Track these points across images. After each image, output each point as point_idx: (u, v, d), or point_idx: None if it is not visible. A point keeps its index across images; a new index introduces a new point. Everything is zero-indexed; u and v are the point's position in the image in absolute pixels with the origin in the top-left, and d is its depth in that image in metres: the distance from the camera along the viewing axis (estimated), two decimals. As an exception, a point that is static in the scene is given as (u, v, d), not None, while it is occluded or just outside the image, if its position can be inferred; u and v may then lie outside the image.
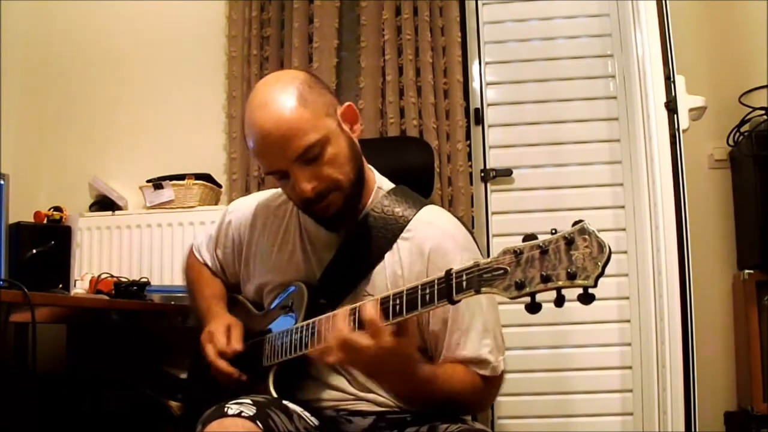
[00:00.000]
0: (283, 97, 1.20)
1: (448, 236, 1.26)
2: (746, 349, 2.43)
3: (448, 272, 1.01)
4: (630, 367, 2.52)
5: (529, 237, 0.93)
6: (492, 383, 1.26)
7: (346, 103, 1.29)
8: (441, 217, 1.32)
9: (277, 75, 1.29)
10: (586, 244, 0.87)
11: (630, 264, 2.54)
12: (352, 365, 1.15)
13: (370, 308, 1.06)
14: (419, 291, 1.04)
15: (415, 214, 1.29)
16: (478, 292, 0.97)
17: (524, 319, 2.44)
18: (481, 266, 0.97)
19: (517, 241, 0.95)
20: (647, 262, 2.36)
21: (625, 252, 2.55)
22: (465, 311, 1.23)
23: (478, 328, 1.23)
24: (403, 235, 1.27)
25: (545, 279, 0.89)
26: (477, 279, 0.97)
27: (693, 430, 2.15)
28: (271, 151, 1.21)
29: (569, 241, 0.88)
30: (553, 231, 0.91)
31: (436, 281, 1.02)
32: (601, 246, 0.86)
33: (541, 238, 0.92)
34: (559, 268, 0.88)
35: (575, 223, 0.89)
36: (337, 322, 1.10)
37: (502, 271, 0.94)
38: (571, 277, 0.87)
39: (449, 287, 1.00)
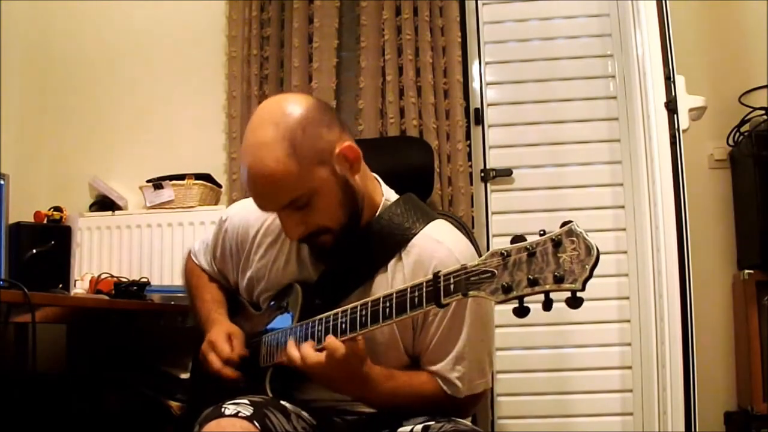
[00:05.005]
0: (272, 142, 1.15)
1: (453, 258, 1.21)
2: (746, 349, 2.43)
3: (436, 275, 1.01)
4: (630, 367, 2.52)
5: (517, 238, 0.92)
6: (456, 402, 1.25)
7: (346, 144, 1.22)
8: (449, 234, 1.29)
9: (274, 108, 1.21)
10: (574, 246, 0.86)
11: (630, 264, 2.54)
12: (314, 378, 1.17)
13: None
14: (408, 294, 1.04)
15: (422, 228, 1.27)
16: (465, 295, 0.96)
17: (524, 319, 2.46)
18: (469, 269, 0.96)
19: (515, 242, 0.94)
20: (647, 262, 2.36)
21: (625, 252, 2.55)
22: (449, 335, 1.23)
23: (455, 354, 1.23)
24: (407, 248, 1.26)
25: (532, 282, 0.88)
26: (464, 282, 0.96)
27: (693, 430, 2.15)
28: (257, 196, 1.22)
29: (556, 243, 0.87)
30: (542, 232, 0.90)
31: (424, 284, 1.02)
32: (588, 248, 0.85)
33: (530, 239, 0.91)
34: (546, 271, 0.87)
35: (563, 224, 0.88)
36: (303, 347, 1.15)
37: (489, 274, 0.93)
38: (558, 280, 0.86)
39: (437, 290, 1.00)
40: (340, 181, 1.21)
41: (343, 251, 1.27)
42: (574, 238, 0.86)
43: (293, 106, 1.20)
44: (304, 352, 1.13)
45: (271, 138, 1.16)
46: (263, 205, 1.23)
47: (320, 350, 1.13)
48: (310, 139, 1.17)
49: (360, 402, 1.26)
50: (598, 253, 0.85)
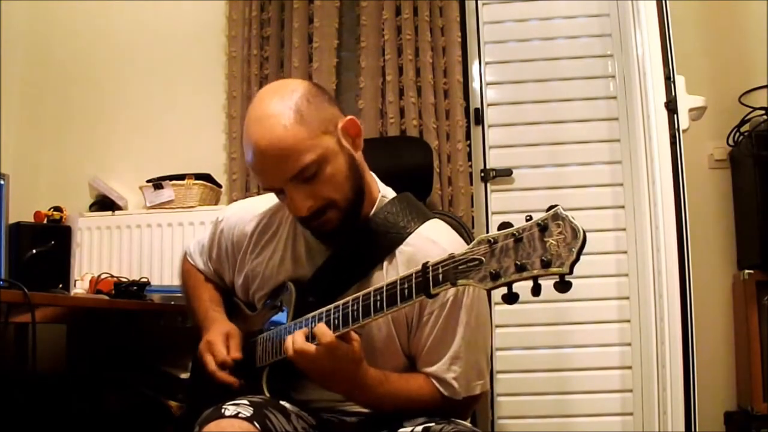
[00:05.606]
0: (280, 113, 1.16)
1: None
2: (746, 349, 2.43)
3: (425, 265, 1.01)
4: (630, 367, 2.52)
5: (504, 225, 0.93)
6: (453, 404, 1.24)
7: (348, 117, 1.24)
8: (444, 234, 1.29)
9: (276, 87, 1.24)
10: (560, 230, 0.86)
11: (630, 264, 2.54)
12: (307, 373, 1.16)
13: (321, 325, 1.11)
14: (398, 286, 1.05)
15: (418, 227, 1.27)
16: (454, 284, 0.97)
17: (524, 319, 2.47)
18: (456, 258, 0.96)
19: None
20: (647, 262, 2.36)
21: (625, 252, 2.55)
22: (444, 336, 1.23)
23: (450, 354, 1.23)
24: (402, 247, 1.26)
25: (520, 268, 0.88)
26: (453, 271, 0.96)
27: (693, 430, 2.15)
28: (266, 170, 1.19)
29: (543, 228, 0.87)
30: (528, 217, 0.90)
31: (413, 275, 1.03)
32: (575, 231, 0.85)
33: (516, 225, 0.91)
34: (533, 256, 0.88)
35: (549, 209, 0.88)
36: (296, 334, 1.13)
37: (477, 262, 0.93)
38: (546, 265, 0.86)
39: (426, 281, 1.00)
40: (345, 153, 1.22)
41: (345, 237, 1.27)
42: (560, 222, 0.86)
43: (294, 84, 1.23)
44: (295, 338, 1.13)
45: (278, 109, 1.17)
46: (271, 179, 1.20)
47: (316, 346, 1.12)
48: (316, 110, 1.19)
49: (355, 403, 1.26)
50: (585, 236, 0.85)
